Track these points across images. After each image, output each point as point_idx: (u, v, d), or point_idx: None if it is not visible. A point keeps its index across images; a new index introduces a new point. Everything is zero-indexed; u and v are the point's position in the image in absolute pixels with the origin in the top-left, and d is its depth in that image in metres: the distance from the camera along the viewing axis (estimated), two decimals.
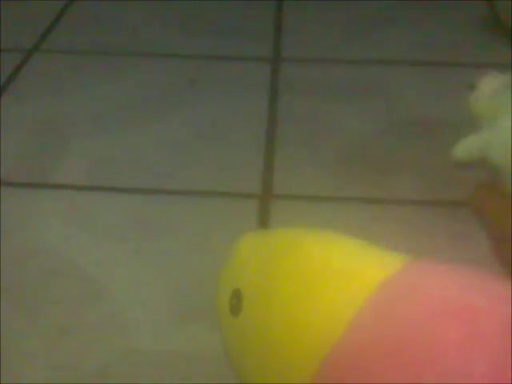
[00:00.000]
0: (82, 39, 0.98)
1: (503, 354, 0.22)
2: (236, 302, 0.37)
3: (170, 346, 0.53)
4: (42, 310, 0.56)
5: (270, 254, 0.35)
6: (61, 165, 0.73)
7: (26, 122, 0.80)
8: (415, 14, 1.02)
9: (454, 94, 0.43)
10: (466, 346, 0.23)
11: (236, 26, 0.99)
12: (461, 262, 0.35)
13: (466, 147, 0.49)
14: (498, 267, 0.36)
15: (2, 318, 0.55)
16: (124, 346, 0.53)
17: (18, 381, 0.50)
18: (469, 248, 0.59)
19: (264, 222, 0.65)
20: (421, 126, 0.75)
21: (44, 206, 0.67)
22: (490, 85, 0.43)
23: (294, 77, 0.87)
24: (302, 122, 0.78)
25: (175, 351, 0.52)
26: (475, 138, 0.48)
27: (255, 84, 0.85)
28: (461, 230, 0.62)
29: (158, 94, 0.84)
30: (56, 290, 0.58)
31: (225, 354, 0.41)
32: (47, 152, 0.75)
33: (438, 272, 0.26)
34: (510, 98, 0.43)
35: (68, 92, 0.86)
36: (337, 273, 0.28)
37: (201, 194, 0.68)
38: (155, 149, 0.67)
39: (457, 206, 0.64)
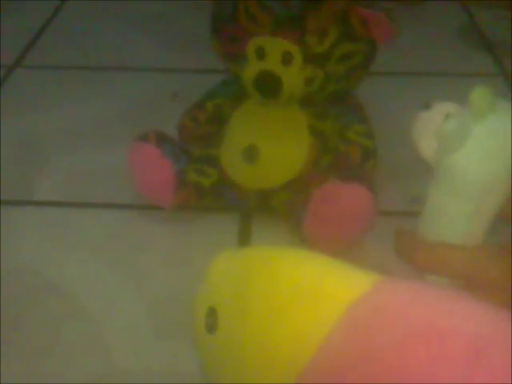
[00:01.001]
0: (63, 55, 0.98)
1: (468, 375, 0.22)
2: (211, 320, 0.37)
3: (148, 363, 0.53)
4: (20, 329, 0.56)
5: (243, 273, 0.35)
6: (39, 181, 0.73)
7: (6, 138, 0.79)
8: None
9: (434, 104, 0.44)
10: (432, 367, 0.23)
11: None
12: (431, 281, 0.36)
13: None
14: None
15: None
16: (103, 364, 0.53)
17: None
18: None
19: (245, 236, 0.65)
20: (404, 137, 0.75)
21: (22, 223, 0.67)
22: (442, 110, 0.43)
23: None
24: None
25: (154, 368, 0.52)
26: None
27: None
28: None
29: (139, 108, 0.84)
30: (34, 308, 0.58)
31: (202, 371, 0.41)
32: (26, 169, 0.75)
33: (406, 292, 0.26)
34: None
35: (48, 108, 0.85)
36: (307, 293, 0.28)
37: (179, 208, 0.68)
38: None
39: None
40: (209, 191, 0.66)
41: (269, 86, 0.60)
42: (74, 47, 1.00)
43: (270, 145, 0.63)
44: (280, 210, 0.64)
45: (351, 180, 0.59)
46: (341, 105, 0.66)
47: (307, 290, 0.28)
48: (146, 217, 0.67)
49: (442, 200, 0.42)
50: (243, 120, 0.65)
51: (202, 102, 0.69)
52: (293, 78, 0.59)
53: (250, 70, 0.60)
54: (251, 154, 0.63)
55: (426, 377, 0.23)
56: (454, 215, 0.41)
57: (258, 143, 0.63)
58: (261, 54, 0.59)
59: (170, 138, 0.66)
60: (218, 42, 0.63)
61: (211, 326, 0.37)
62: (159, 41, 0.99)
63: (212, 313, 0.37)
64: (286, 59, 0.59)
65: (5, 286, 0.60)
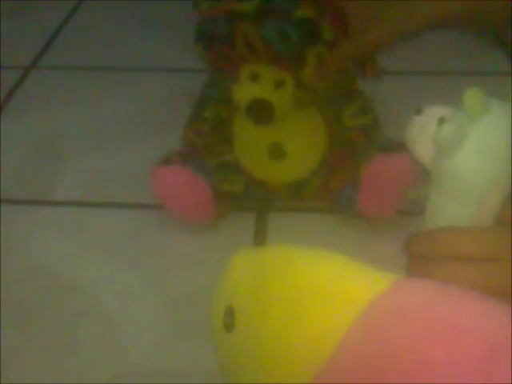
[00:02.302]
0: (80, 55, 0.99)
1: (486, 375, 0.22)
2: (229, 319, 0.37)
3: (166, 362, 0.53)
4: (40, 328, 0.56)
5: (262, 272, 0.35)
6: (57, 181, 0.73)
7: (24, 139, 0.80)
8: None
9: (442, 103, 0.43)
10: (451, 369, 0.23)
11: None
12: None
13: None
14: None
15: (1, 336, 0.55)
16: (121, 363, 0.53)
17: None
18: None
19: (261, 236, 0.65)
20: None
21: (40, 223, 0.68)
22: (435, 114, 0.42)
23: None
24: None
25: (171, 368, 0.53)
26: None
27: None
28: None
29: (155, 108, 0.84)
30: (52, 307, 0.58)
31: (220, 371, 0.41)
32: (44, 169, 0.75)
33: (424, 292, 0.27)
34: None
35: (64, 109, 0.86)
36: (325, 293, 0.28)
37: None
38: (152, 163, 0.67)
39: None
40: (242, 196, 0.67)
41: (262, 113, 0.60)
42: (89, 48, 1.01)
43: (293, 139, 0.65)
44: (314, 196, 0.67)
45: (391, 150, 0.62)
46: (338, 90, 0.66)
47: (325, 290, 0.28)
48: (163, 217, 0.68)
49: (442, 203, 0.42)
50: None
51: (199, 112, 0.69)
52: (284, 101, 0.61)
53: (244, 94, 0.61)
54: (277, 152, 0.65)
55: (443, 377, 0.23)
56: (456, 217, 0.41)
57: (281, 140, 0.64)
58: (254, 78, 0.60)
59: (190, 153, 0.67)
60: (206, 54, 0.63)
61: (229, 324, 0.37)
62: (174, 41, 1.00)
63: (230, 312, 0.37)
64: (279, 84, 0.60)
65: (23, 285, 0.60)
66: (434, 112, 0.43)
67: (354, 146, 0.66)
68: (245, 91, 0.61)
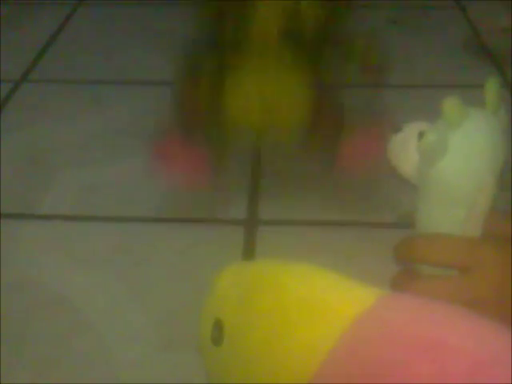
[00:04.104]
0: (70, 68, 0.99)
1: None
2: (217, 332, 0.38)
3: (154, 376, 0.53)
4: (27, 341, 0.56)
5: (250, 286, 0.35)
6: (46, 195, 0.73)
7: (12, 152, 0.80)
8: (400, 38, 1.04)
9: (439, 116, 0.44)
10: (435, 383, 0.23)
11: None
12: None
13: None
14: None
15: None
16: (109, 376, 0.53)
17: None
18: None
19: (250, 248, 0.66)
20: None
21: (28, 237, 0.68)
22: (414, 130, 0.44)
23: None
24: None
25: (160, 381, 0.53)
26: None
27: None
28: None
29: (145, 122, 0.85)
30: (41, 321, 0.58)
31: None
32: (33, 182, 0.75)
33: (410, 307, 0.27)
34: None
35: (54, 122, 0.86)
36: (312, 307, 0.28)
37: (186, 221, 0.68)
38: (141, 177, 0.68)
39: None
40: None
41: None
42: (79, 61, 1.01)
43: (282, 95, 0.66)
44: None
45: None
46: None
47: (312, 305, 0.29)
48: (152, 230, 0.68)
49: (432, 211, 0.43)
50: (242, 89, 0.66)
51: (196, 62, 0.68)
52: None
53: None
54: (266, 106, 0.66)
55: None
56: (447, 223, 0.42)
57: (271, 94, 0.65)
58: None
59: (184, 119, 0.67)
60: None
61: (217, 338, 0.37)
62: (163, 54, 1.00)
63: (218, 325, 0.37)
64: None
65: (12, 299, 0.60)
66: (412, 128, 0.44)
67: (339, 106, 0.68)
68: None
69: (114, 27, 1.12)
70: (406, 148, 0.44)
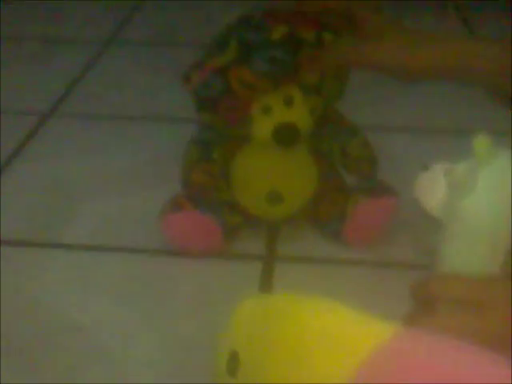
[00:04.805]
0: (97, 104, 1.02)
1: None
2: (233, 363, 0.38)
3: None
4: (42, 368, 0.57)
5: (267, 319, 0.36)
6: (67, 225, 0.75)
7: (37, 183, 0.82)
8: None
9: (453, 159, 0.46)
10: None
11: None
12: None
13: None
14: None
15: (2, 375, 0.55)
16: None
17: None
18: None
19: (267, 283, 0.66)
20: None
21: (50, 265, 0.69)
22: (440, 169, 0.45)
23: None
24: None
25: None
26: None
27: None
28: None
29: (166, 157, 0.86)
30: (57, 348, 0.59)
31: None
32: (55, 213, 0.77)
33: (425, 343, 0.27)
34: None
35: (79, 155, 0.88)
36: (329, 341, 0.29)
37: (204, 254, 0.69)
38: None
39: None
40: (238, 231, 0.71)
41: (288, 136, 0.64)
42: (110, 96, 1.04)
43: (290, 187, 0.69)
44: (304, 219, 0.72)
45: (380, 193, 0.68)
46: (328, 123, 0.70)
47: (329, 338, 0.29)
48: (171, 262, 0.69)
49: (456, 247, 0.44)
50: (254, 165, 0.69)
51: (205, 154, 0.70)
52: (302, 118, 0.64)
53: (265, 126, 0.64)
54: (275, 199, 0.69)
55: None
56: (470, 258, 0.43)
57: (279, 188, 0.68)
58: (266, 110, 0.64)
59: (196, 195, 0.69)
60: (215, 116, 0.66)
61: (233, 369, 0.38)
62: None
63: (234, 357, 0.38)
64: (289, 101, 0.64)
65: (29, 326, 0.61)
66: (439, 168, 0.45)
67: (343, 180, 0.71)
68: (265, 124, 0.64)
69: (142, 66, 1.15)
70: (432, 185, 0.45)
